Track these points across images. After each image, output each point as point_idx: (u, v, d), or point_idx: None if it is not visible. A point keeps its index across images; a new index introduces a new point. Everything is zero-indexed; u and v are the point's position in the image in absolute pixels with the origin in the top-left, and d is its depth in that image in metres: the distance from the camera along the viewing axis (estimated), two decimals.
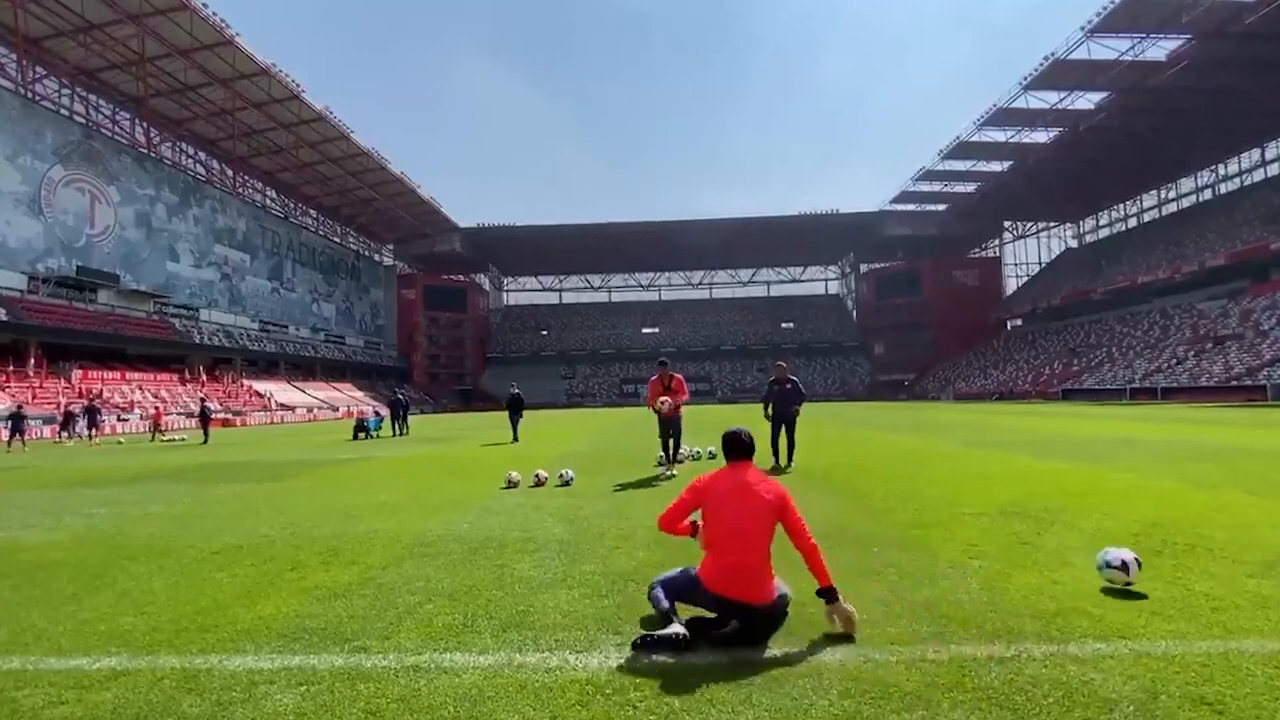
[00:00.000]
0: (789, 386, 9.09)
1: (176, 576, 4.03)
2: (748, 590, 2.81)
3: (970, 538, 4.45)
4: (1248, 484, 6.43)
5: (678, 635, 2.65)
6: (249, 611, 3.29)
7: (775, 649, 2.65)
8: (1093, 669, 2.38)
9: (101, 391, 33.95)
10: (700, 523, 3.05)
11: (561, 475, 7.81)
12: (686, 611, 2.91)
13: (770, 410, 9.15)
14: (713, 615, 2.90)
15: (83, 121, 40.16)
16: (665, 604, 2.82)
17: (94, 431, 22.61)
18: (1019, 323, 69.72)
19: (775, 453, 9.11)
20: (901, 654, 2.56)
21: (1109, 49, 38.82)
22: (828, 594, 2.84)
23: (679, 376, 8.97)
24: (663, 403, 8.63)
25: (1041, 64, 41.26)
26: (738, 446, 3.09)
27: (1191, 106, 43.81)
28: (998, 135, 51.17)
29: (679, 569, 3.07)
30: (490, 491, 7.36)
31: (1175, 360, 39.68)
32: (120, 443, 22.03)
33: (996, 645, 2.62)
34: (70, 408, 22.78)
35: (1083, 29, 37.66)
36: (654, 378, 9.01)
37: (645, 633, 2.74)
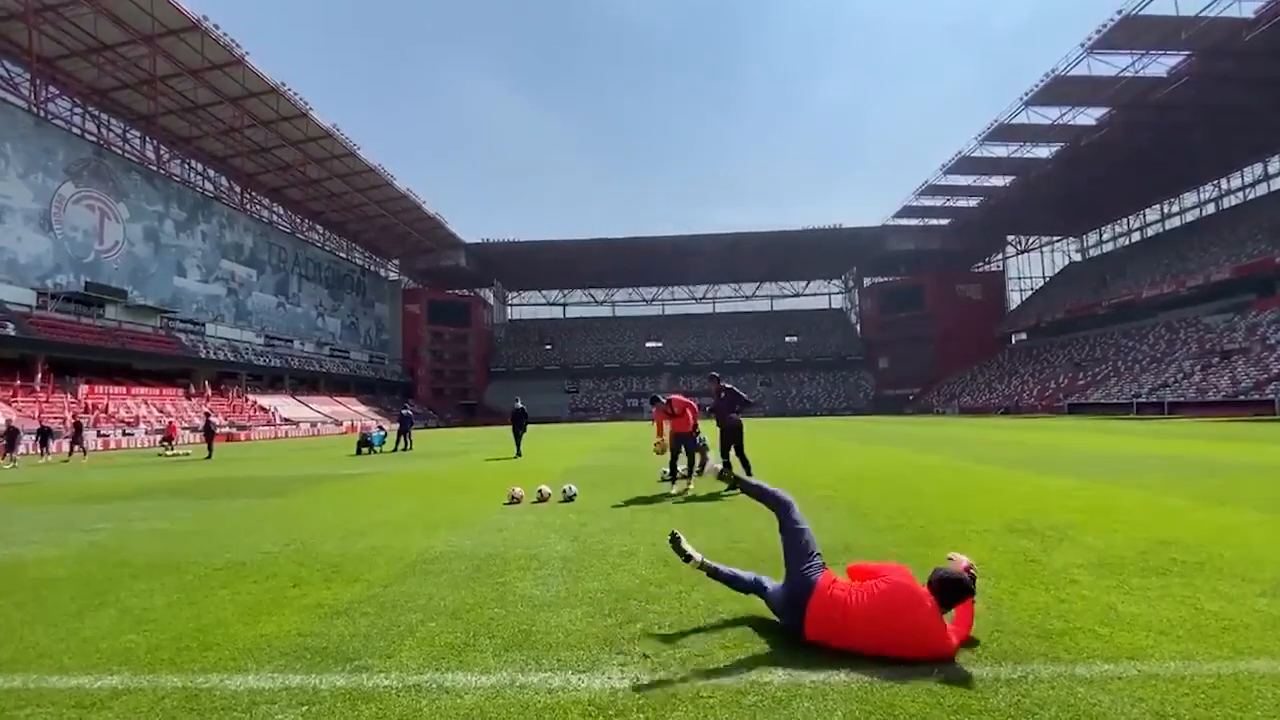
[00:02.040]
0: (724, 396, 8.58)
1: (179, 593, 4.03)
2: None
3: (976, 555, 4.40)
4: (1257, 501, 6.37)
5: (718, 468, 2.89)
6: (251, 629, 3.28)
7: (780, 670, 2.63)
8: (1101, 690, 2.36)
9: (107, 405, 34.11)
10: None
11: (565, 491, 7.79)
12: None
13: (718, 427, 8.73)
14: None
15: (94, 139, 40.70)
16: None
17: (76, 448, 21.23)
18: (1023, 337, 69.53)
19: (726, 456, 8.57)
20: (906, 676, 2.53)
21: (1109, 65, 39.08)
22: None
23: (728, 385, 8.59)
24: (657, 444, 8.45)
25: (1043, 80, 41.53)
26: (956, 592, 2.74)
27: (1193, 122, 43.97)
28: (1000, 150, 51.38)
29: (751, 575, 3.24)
30: (493, 507, 7.34)
31: (1182, 374, 39.48)
32: (161, 455, 21.85)
33: (1003, 666, 2.60)
34: (12, 424, 20.25)
35: (1083, 45, 37.94)
36: (677, 397, 8.65)
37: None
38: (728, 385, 8.65)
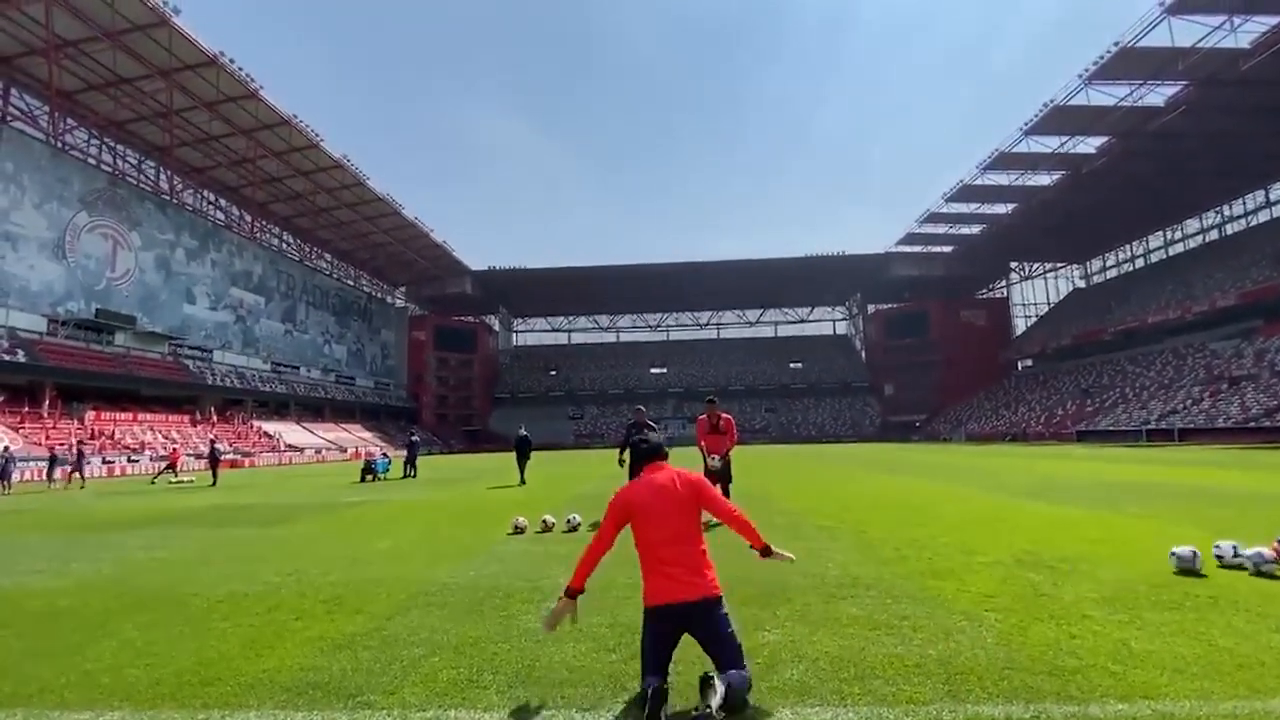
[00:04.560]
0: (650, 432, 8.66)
1: (181, 626, 4.01)
2: (695, 587, 2.69)
3: (985, 588, 4.35)
4: (1269, 532, 6.26)
5: (649, 688, 2.44)
6: (253, 664, 3.25)
7: (787, 710, 2.59)
8: None
9: (114, 432, 34.19)
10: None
11: (569, 520, 7.73)
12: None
13: (625, 455, 8.91)
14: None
15: (109, 170, 41.60)
16: (644, 681, 2.61)
17: (53, 479, 20.67)
18: (1029, 363, 69.34)
19: None
20: (916, 714, 2.50)
21: (1107, 95, 39.58)
22: (764, 551, 2.99)
23: (728, 416, 8.20)
24: (712, 457, 7.84)
25: (1042, 110, 42.08)
26: (647, 453, 3.08)
27: (1193, 150, 44.35)
28: (1001, 178, 51.78)
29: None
30: (496, 537, 7.29)
31: (1191, 401, 39.16)
32: (154, 483, 21.78)
33: (1014, 705, 2.55)
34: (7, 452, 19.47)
35: (1080, 76, 38.51)
36: (701, 416, 8.27)
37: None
38: (652, 424, 8.05)
